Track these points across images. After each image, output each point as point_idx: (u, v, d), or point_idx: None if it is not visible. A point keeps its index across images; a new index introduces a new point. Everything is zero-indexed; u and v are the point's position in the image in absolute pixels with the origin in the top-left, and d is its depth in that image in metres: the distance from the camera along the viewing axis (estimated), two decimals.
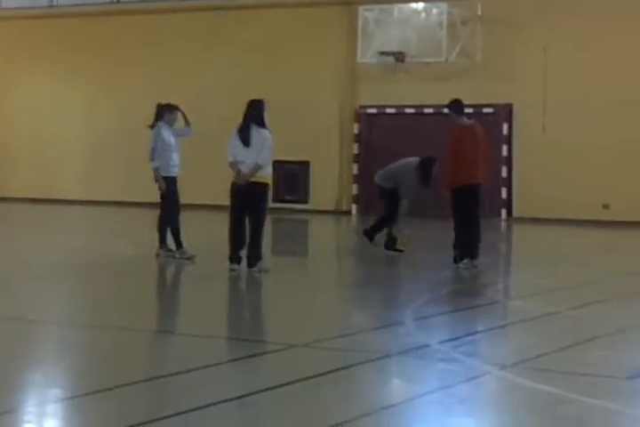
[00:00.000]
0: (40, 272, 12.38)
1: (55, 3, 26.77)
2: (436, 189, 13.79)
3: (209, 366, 6.99)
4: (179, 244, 13.39)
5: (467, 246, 12.83)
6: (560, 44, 22.20)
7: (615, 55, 21.78)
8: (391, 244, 14.47)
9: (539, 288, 11.46)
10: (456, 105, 13.19)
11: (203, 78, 25.15)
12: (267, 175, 12.19)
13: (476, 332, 8.81)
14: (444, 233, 13.74)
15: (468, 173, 12.78)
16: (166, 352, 7.83)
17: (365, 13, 23.22)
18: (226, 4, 25.04)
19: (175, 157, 13.46)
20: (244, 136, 12.02)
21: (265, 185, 12.14)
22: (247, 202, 12.02)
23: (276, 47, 24.56)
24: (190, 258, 13.27)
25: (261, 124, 12.06)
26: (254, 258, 12.06)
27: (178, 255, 13.33)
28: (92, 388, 6.26)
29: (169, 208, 13.50)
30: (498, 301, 10.97)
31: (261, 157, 11.94)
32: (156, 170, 13.34)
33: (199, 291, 11.25)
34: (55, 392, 6.32)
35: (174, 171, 13.47)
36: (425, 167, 14.38)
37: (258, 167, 11.94)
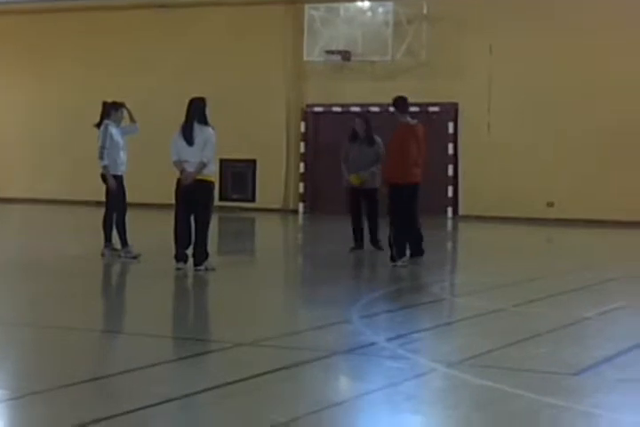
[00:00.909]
0: None
1: None
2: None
3: (154, 365, 6.93)
4: (124, 243, 13.29)
5: (404, 245, 12.85)
6: (505, 44, 22.36)
7: (560, 55, 21.97)
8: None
9: (484, 285, 11.53)
10: (400, 102, 13.17)
11: (148, 77, 25.01)
12: (211, 173, 12.16)
13: (423, 329, 8.82)
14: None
15: (410, 171, 12.86)
16: (111, 352, 7.76)
17: (311, 12, 23.23)
18: (171, 2, 24.91)
19: (122, 156, 13.39)
20: (187, 135, 11.96)
21: (210, 183, 12.10)
22: (192, 200, 11.96)
23: (223, 45, 24.49)
24: (136, 257, 13.19)
25: (204, 122, 12.01)
26: (200, 256, 12.01)
27: (123, 254, 13.24)
28: (35, 388, 6.17)
29: (115, 207, 13.40)
30: (444, 298, 11.01)
31: (205, 154, 11.89)
32: (106, 168, 13.25)
33: (144, 290, 11.17)
34: None
35: (121, 169, 13.40)
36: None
37: (202, 165, 11.89)
